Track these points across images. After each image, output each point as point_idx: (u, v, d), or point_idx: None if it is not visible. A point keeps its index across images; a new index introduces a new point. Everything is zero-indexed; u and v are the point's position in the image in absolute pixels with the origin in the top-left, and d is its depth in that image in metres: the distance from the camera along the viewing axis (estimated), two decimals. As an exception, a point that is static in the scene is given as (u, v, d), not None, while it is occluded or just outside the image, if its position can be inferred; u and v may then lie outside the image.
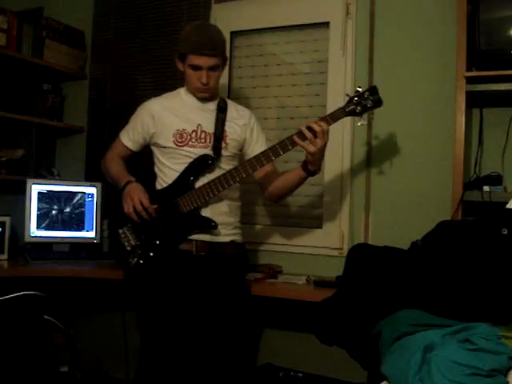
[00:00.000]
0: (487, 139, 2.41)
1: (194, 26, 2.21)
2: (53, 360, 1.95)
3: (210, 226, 2.19)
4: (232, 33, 2.96)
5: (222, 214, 2.23)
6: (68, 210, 2.98)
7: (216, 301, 2.18)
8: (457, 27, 2.23)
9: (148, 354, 2.19)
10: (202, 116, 2.26)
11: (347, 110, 2.08)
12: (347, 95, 2.13)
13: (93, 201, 3.02)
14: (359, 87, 2.11)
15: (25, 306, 1.86)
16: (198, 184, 2.19)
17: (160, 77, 3.10)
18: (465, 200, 2.18)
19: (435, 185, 2.49)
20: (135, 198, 2.17)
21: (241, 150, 2.34)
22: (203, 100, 2.27)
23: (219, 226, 2.19)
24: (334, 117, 2.08)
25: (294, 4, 2.82)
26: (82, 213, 3.00)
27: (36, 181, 2.94)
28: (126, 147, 2.36)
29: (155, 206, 2.20)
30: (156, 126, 2.27)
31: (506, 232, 1.62)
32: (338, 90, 2.68)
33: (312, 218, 2.81)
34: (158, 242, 2.22)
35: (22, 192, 2.89)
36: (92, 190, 3.03)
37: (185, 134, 2.22)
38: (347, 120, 2.54)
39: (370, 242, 2.56)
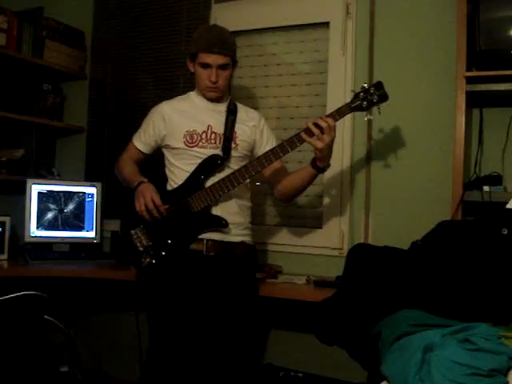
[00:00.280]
0: (487, 139, 2.42)
1: (206, 27, 2.28)
2: (53, 360, 1.95)
3: (220, 224, 2.19)
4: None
5: (233, 214, 2.23)
6: (68, 210, 2.98)
7: (227, 303, 2.18)
8: (457, 27, 2.23)
9: (157, 354, 2.19)
10: (213, 117, 2.27)
11: (353, 105, 2.09)
12: (353, 91, 2.14)
13: (93, 201, 3.02)
14: (365, 83, 2.12)
15: (25, 306, 1.86)
16: (209, 184, 2.19)
17: (160, 77, 3.11)
18: (465, 200, 2.18)
19: (435, 185, 2.49)
20: (147, 196, 2.18)
21: (251, 152, 2.34)
22: (213, 101, 2.28)
23: (230, 226, 2.20)
24: (340, 112, 2.09)
25: (294, 4, 2.82)
26: (82, 213, 3.00)
27: (36, 181, 2.94)
28: (139, 150, 2.37)
29: (166, 206, 2.21)
30: (167, 127, 2.28)
31: (505, 232, 1.62)
32: (338, 90, 2.69)
33: (312, 218, 2.81)
34: (169, 242, 2.22)
35: (21, 192, 2.89)
36: (92, 190, 3.03)
37: (195, 135, 2.23)
38: (347, 120, 2.55)
39: (369, 242, 2.56)
